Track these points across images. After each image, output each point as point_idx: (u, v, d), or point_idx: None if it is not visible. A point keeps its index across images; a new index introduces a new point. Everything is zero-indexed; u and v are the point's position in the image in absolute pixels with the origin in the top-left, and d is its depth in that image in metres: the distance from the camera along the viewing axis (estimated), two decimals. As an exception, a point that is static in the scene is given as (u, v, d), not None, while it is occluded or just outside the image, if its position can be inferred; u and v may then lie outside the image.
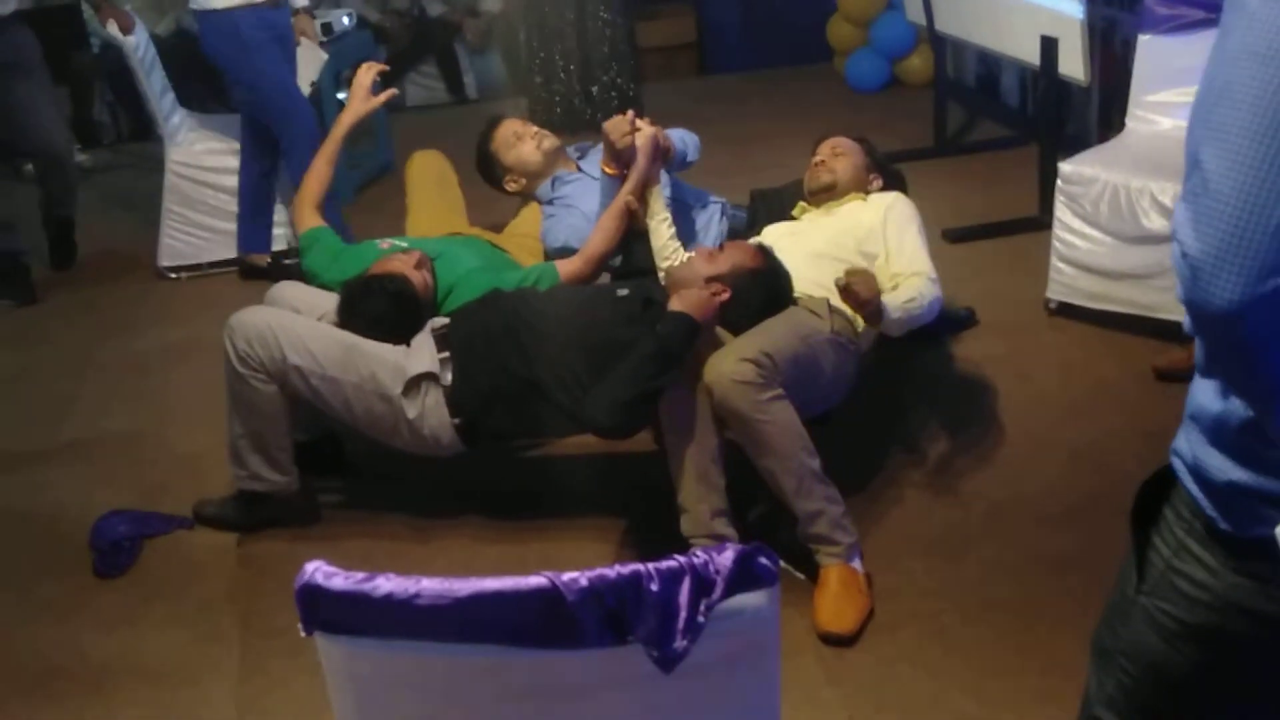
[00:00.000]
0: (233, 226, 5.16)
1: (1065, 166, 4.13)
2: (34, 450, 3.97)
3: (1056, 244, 4.14)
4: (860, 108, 6.89)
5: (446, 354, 3.12)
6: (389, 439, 3.19)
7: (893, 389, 3.73)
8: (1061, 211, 4.11)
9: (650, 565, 1.47)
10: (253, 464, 3.24)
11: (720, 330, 3.00)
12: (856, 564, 2.88)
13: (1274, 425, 1.12)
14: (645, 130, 3.48)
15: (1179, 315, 3.83)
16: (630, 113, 3.55)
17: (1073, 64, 4.65)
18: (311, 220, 3.62)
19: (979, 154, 5.95)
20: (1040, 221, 4.87)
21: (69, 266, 5.46)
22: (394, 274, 3.29)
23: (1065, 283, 4.14)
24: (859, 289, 2.88)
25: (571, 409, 3.00)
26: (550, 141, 3.91)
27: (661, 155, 3.52)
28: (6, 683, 2.87)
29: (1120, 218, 3.93)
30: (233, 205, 5.16)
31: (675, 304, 2.92)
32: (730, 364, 2.77)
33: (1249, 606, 1.23)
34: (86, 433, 4.07)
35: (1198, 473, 1.25)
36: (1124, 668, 1.41)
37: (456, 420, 3.09)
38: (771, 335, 2.90)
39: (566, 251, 3.63)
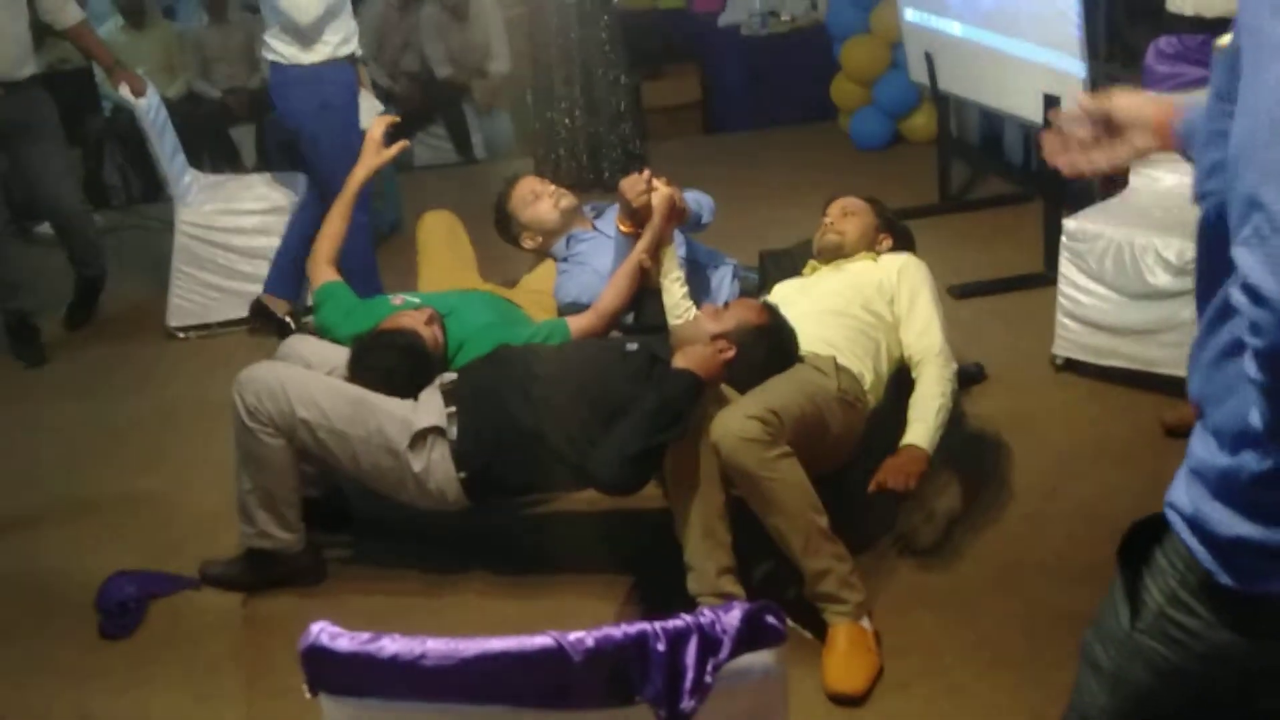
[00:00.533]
0: (241, 286, 5.19)
1: (1070, 223, 4.14)
2: (43, 509, 3.97)
3: (1062, 300, 4.15)
4: (865, 165, 6.93)
5: (453, 409, 3.13)
6: (395, 493, 3.20)
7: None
8: (1066, 268, 4.13)
9: (657, 625, 1.47)
10: (260, 521, 3.24)
11: (725, 388, 3.00)
12: (865, 623, 2.87)
13: None
14: (661, 190, 3.52)
15: (1184, 371, 3.78)
16: (646, 171, 3.58)
17: (1075, 121, 4.67)
18: (326, 275, 3.64)
19: (983, 210, 5.98)
20: (1045, 278, 4.87)
21: (83, 326, 5.48)
22: (404, 329, 3.32)
23: (1070, 339, 4.15)
24: (894, 485, 2.97)
25: (577, 464, 3.01)
26: (568, 200, 3.95)
27: (676, 215, 3.55)
28: (11, 746, 2.86)
29: (1125, 274, 3.94)
30: (242, 264, 5.21)
31: (679, 361, 2.93)
32: (737, 421, 2.77)
33: (1240, 661, 1.26)
34: (96, 492, 4.06)
35: (1197, 526, 1.25)
36: (1119, 690, 1.45)
37: (462, 474, 3.09)
38: (778, 393, 2.91)
39: (577, 307, 3.66)
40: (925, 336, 3.30)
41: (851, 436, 3.10)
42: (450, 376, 3.27)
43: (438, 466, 3.09)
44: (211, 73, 7.98)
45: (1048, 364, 4.25)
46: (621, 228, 3.59)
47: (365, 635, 1.47)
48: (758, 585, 3.04)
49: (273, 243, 5.22)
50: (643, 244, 3.50)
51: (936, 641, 2.96)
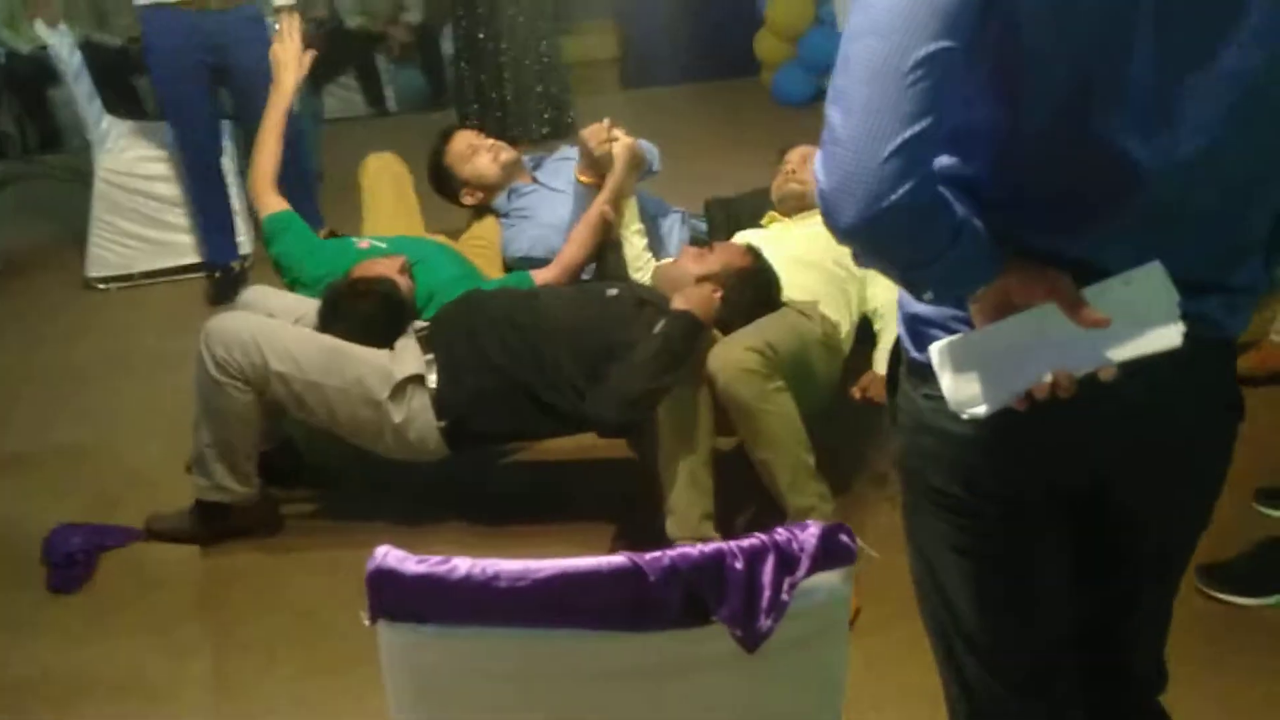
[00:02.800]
0: (164, 235, 5.04)
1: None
2: (-29, 462, 3.82)
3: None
4: (788, 121, 6.91)
5: (430, 356, 3.06)
6: (372, 444, 3.12)
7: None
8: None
9: (734, 544, 1.44)
10: (217, 474, 3.13)
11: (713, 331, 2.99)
12: (843, 564, 2.88)
13: (913, 292, 1.43)
14: (623, 140, 3.47)
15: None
16: (607, 120, 3.53)
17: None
18: (275, 203, 3.51)
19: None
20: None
21: None
22: (382, 277, 3.23)
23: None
24: (875, 395, 3.07)
25: (563, 409, 2.99)
26: (508, 154, 3.86)
27: (636, 165, 3.51)
28: (-34, 702, 2.74)
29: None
30: (164, 214, 5.06)
31: (679, 303, 2.91)
32: (736, 352, 2.78)
33: (930, 423, 1.53)
34: (28, 445, 3.90)
35: (902, 311, 1.56)
36: (918, 542, 1.71)
37: (442, 423, 3.03)
38: (772, 329, 2.92)
39: (528, 261, 3.61)
40: (889, 289, 3.30)
41: (832, 381, 3.11)
42: (423, 324, 3.20)
43: (418, 416, 3.03)
44: (107, 24, 7.69)
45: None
46: (582, 179, 3.54)
47: (436, 558, 1.41)
48: (737, 533, 3.04)
49: (198, 192, 5.08)
50: (605, 194, 3.46)
51: (908, 585, 2.97)
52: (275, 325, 3.13)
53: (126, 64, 7.60)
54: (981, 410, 1.42)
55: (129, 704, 2.71)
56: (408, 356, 3.07)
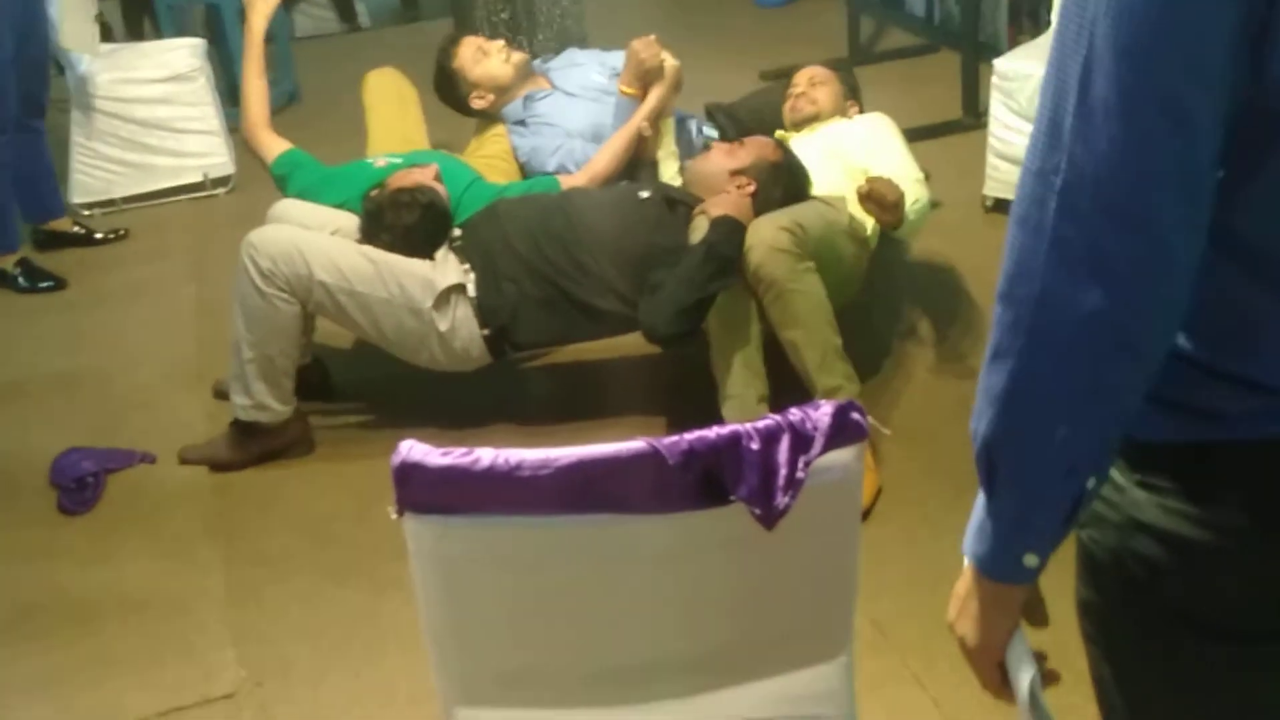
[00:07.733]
0: (145, 159, 4.99)
1: (1000, 63, 4.17)
2: (-32, 394, 3.82)
3: (993, 141, 4.20)
4: (767, 22, 6.89)
5: (467, 265, 3.10)
6: (416, 356, 3.15)
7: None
8: (997, 108, 4.17)
9: (749, 425, 1.47)
10: (257, 392, 3.12)
11: None
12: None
13: None
14: (672, 60, 3.47)
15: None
16: (653, 36, 3.53)
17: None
18: (278, 143, 3.45)
19: (892, 62, 5.99)
20: (963, 124, 4.95)
21: None
22: (423, 186, 3.21)
23: (1002, 179, 4.20)
24: (884, 190, 2.91)
25: (606, 310, 3.05)
26: (519, 55, 3.79)
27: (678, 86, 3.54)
28: (-17, 624, 2.77)
29: (1056, 111, 4.00)
30: (145, 137, 4.97)
31: (716, 209, 2.95)
32: (769, 231, 2.84)
33: (1153, 523, 1.13)
34: (19, 374, 3.89)
35: None
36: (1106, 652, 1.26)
37: (485, 331, 3.07)
38: (802, 213, 2.97)
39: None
40: (905, 169, 3.29)
41: (858, 272, 3.17)
42: (458, 234, 3.21)
43: (462, 325, 3.06)
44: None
45: (978, 206, 4.31)
46: (625, 90, 3.53)
47: (459, 450, 1.44)
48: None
49: (176, 113, 5.00)
50: (645, 109, 3.48)
51: (906, 475, 3.02)
52: (316, 236, 3.13)
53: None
54: None
55: (146, 617, 2.76)
56: (448, 266, 3.10)
